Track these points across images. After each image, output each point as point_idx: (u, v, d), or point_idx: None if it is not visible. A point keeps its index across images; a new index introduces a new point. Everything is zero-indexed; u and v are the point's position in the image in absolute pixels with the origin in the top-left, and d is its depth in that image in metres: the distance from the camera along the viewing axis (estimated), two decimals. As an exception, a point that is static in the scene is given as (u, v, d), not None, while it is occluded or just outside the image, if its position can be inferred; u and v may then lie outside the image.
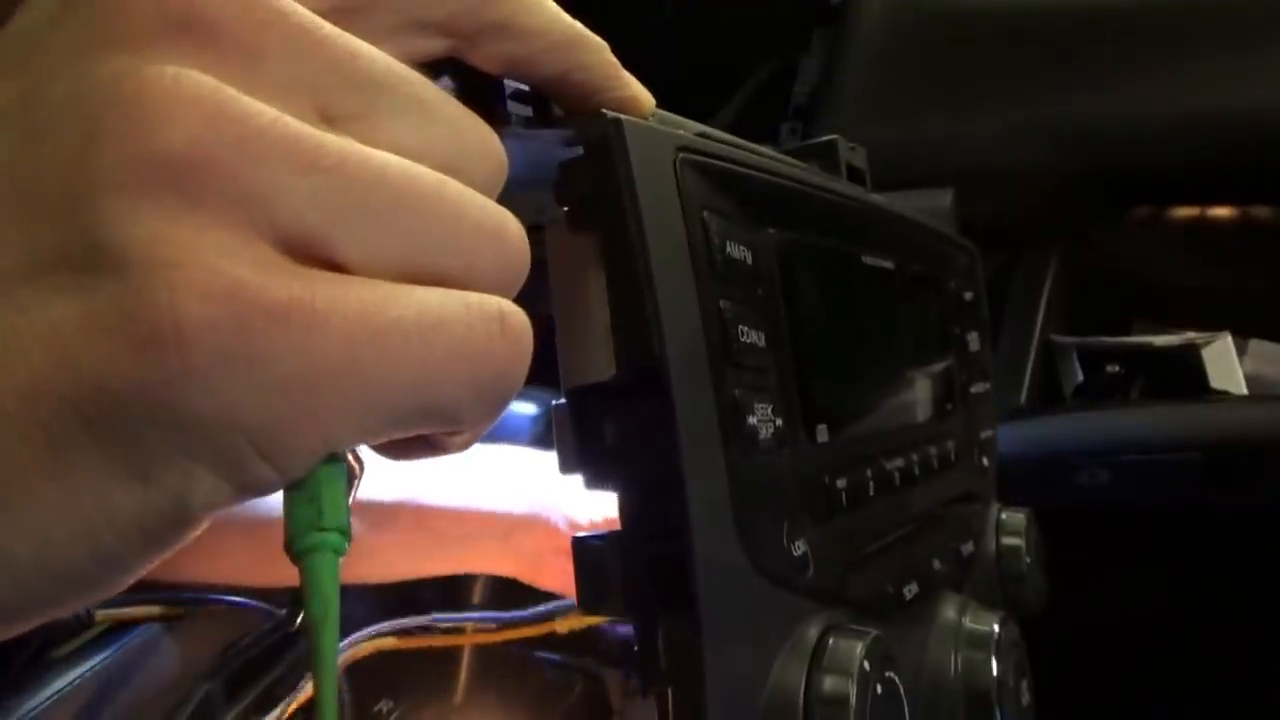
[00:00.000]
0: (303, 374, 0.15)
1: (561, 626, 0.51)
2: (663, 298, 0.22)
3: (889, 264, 0.37)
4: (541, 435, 0.73)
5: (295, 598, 0.49)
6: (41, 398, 0.15)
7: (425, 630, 0.50)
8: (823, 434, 0.29)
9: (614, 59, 0.23)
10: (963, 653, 0.36)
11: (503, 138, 0.21)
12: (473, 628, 0.52)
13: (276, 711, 0.46)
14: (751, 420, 0.25)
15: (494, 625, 0.52)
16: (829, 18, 0.95)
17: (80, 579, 0.16)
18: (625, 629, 0.57)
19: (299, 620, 0.50)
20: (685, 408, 0.22)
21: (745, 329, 0.25)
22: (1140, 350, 0.85)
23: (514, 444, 0.60)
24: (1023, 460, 0.76)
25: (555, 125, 0.23)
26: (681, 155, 0.24)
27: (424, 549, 0.52)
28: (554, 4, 0.22)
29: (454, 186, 0.18)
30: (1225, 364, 0.83)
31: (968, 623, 0.37)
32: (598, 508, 0.52)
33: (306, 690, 0.47)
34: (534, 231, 0.21)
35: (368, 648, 0.48)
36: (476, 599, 0.62)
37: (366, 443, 0.18)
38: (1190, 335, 0.84)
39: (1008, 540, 0.46)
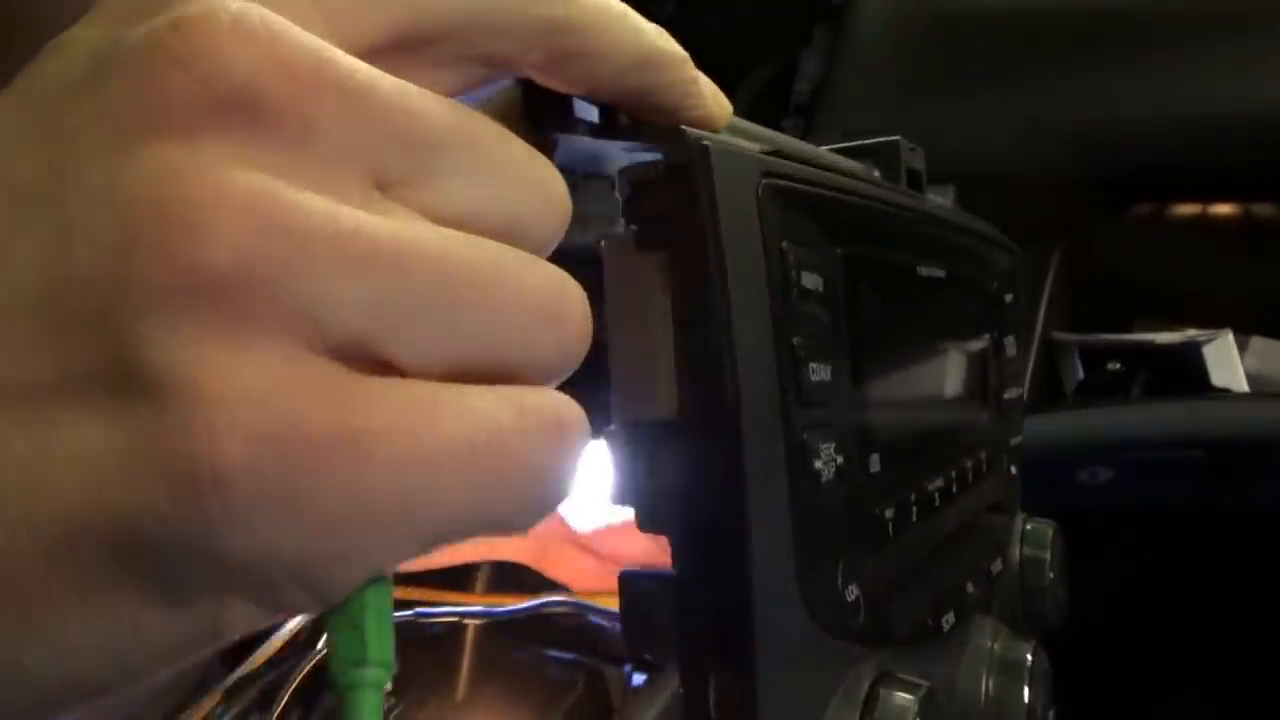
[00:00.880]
0: (347, 510, 0.14)
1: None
2: (739, 338, 0.20)
3: (941, 272, 0.35)
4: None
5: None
6: (73, 527, 0.14)
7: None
8: (875, 463, 0.27)
9: (694, 73, 0.21)
10: (994, 679, 0.36)
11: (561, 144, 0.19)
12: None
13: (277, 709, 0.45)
14: (817, 464, 0.23)
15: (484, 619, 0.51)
16: (830, 15, 0.93)
17: (100, 689, 0.15)
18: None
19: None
20: (754, 452, 0.21)
21: (815, 366, 0.22)
22: (1141, 348, 0.84)
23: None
24: (1023, 458, 0.75)
25: (625, 136, 0.21)
26: (764, 181, 0.22)
27: None
28: (634, 19, 0.20)
29: (514, 267, 0.16)
30: (1226, 361, 0.82)
31: (1000, 649, 0.36)
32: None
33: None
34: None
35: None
36: (479, 587, 0.61)
37: (409, 560, 0.17)
38: (1192, 332, 0.83)
39: (1031, 553, 0.44)
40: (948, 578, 0.35)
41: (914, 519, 0.31)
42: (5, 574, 0.14)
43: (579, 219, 0.19)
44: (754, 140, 0.24)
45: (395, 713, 0.55)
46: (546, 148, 0.21)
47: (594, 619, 0.57)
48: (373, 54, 0.16)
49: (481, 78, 0.19)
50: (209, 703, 0.48)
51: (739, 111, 0.24)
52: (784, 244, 0.22)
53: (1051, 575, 0.44)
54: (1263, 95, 0.80)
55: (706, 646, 0.22)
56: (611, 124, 0.21)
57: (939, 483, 0.33)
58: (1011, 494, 0.46)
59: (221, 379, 0.13)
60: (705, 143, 0.20)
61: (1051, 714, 0.38)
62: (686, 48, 0.21)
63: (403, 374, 0.15)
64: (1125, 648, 0.80)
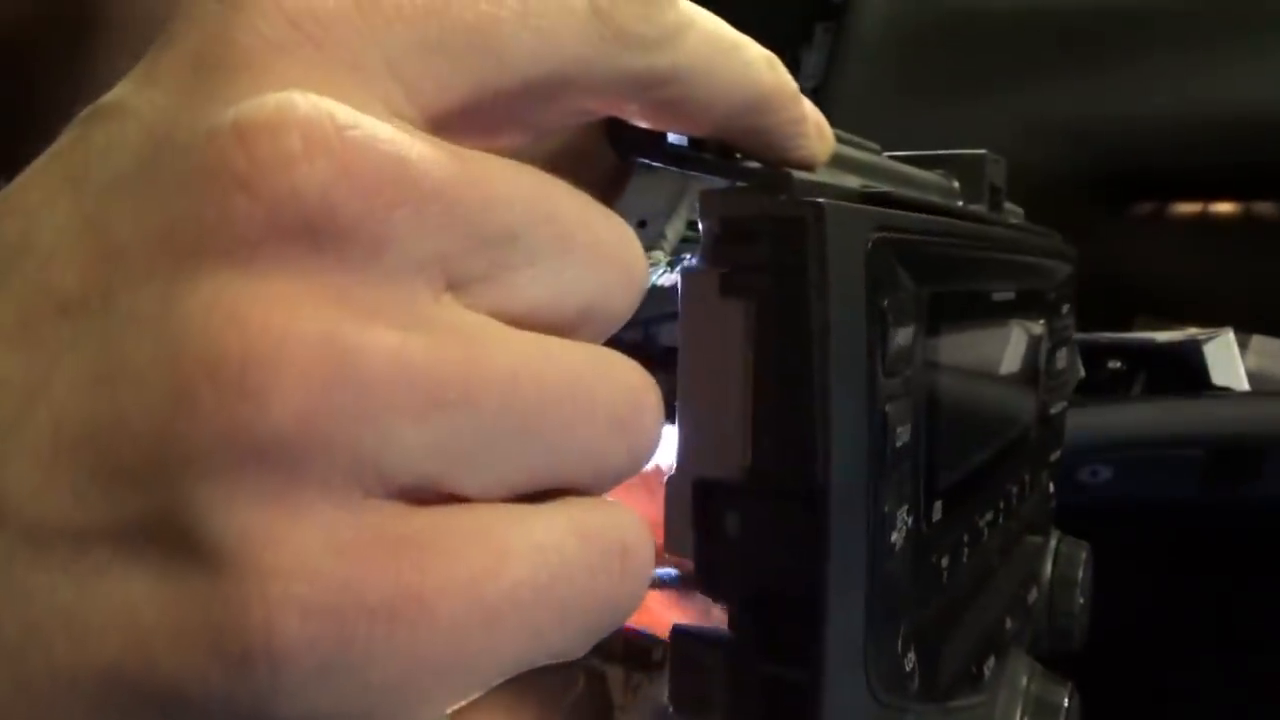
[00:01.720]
0: (405, 671, 0.13)
1: None
2: (835, 405, 0.18)
3: (1011, 294, 0.33)
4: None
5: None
6: (115, 680, 0.13)
7: None
8: (938, 511, 0.24)
9: (802, 110, 0.19)
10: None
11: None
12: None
13: None
14: (895, 536, 0.20)
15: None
16: (831, 14, 0.92)
17: None
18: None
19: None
20: (838, 523, 0.18)
21: (901, 429, 0.20)
22: (1142, 346, 0.83)
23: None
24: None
25: (720, 173, 0.19)
26: (875, 237, 0.19)
27: None
28: (745, 54, 0.17)
29: (588, 377, 0.15)
30: (1227, 360, 0.81)
31: (1036, 690, 0.34)
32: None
33: None
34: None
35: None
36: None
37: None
38: (1192, 331, 0.82)
39: (1063, 574, 0.42)
40: (988, 615, 0.32)
41: (965, 559, 0.28)
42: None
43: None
44: (851, 169, 0.22)
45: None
46: (625, 172, 0.19)
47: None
48: (450, 115, 0.15)
49: (567, 125, 0.18)
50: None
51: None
52: (886, 303, 0.19)
53: (1082, 601, 0.42)
54: (1263, 94, 0.81)
55: (763, 717, 0.20)
56: (700, 151, 0.19)
57: (988, 517, 0.31)
58: (1047, 511, 0.43)
59: (278, 548, 0.13)
60: (822, 204, 0.18)
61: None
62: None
63: (465, 498, 0.14)
64: (1124, 647, 0.79)
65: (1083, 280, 0.86)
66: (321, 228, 0.13)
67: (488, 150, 0.15)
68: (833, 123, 0.21)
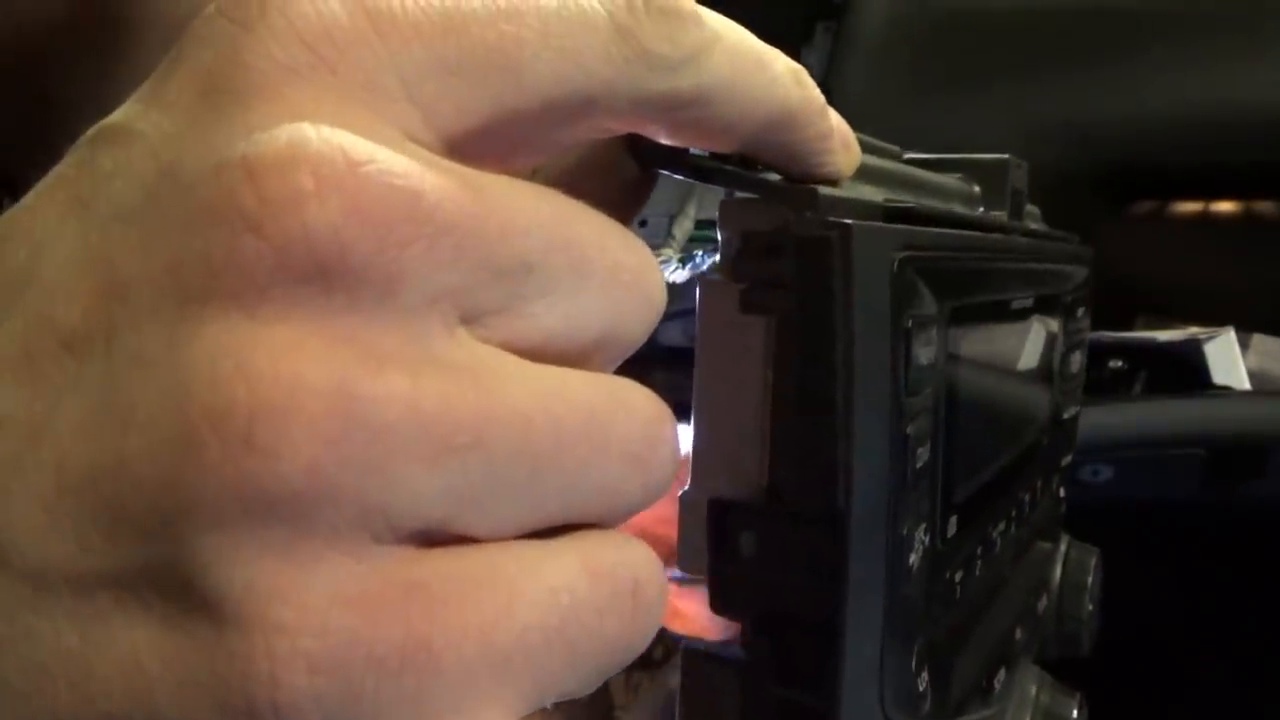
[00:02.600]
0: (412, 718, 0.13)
1: None
2: (858, 427, 0.17)
3: (1029, 301, 0.32)
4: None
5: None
6: None
7: None
8: (953, 526, 0.23)
9: (829, 124, 0.18)
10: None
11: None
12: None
13: None
14: (913, 558, 0.19)
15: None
16: (831, 13, 0.91)
17: None
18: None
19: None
20: (857, 548, 0.18)
21: (921, 451, 0.19)
22: (1143, 346, 0.82)
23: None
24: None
25: (743, 186, 0.18)
26: (899, 256, 0.18)
27: None
28: (772, 69, 0.17)
29: (604, 414, 0.14)
30: (1228, 359, 0.80)
31: (1045, 700, 0.34)
32: None
33: None
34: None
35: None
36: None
37: None
38: (1193, 330, 0.81)
39: (1073, 580, 0.41)
40: (999, 627, 0.31)
41: (979, 572, 0.27)
42: None
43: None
44: (873, 179, 0.21)
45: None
46: (646, 183, 0.19)
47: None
48: (468, 137, 0.14)
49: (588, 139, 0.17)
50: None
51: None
52: (909, 322, 0.19)
53: (1090, 607, 0.41)
54: (1263, 94, 0.80)
55: None
56: (722, 163, 0.18)
57: (1002, 526, 0.30)
58: (1057, 517, 0.42)
59: (284, 601, 0.12)
60: (849, 225, 0.17)
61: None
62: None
63: (475, 538, 0.14)
64: (1125, 646, 0.78)
65: (1083, 279, 0.86)
66: (333, 269, 0.12)
67: (505, 170, 0.14)
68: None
